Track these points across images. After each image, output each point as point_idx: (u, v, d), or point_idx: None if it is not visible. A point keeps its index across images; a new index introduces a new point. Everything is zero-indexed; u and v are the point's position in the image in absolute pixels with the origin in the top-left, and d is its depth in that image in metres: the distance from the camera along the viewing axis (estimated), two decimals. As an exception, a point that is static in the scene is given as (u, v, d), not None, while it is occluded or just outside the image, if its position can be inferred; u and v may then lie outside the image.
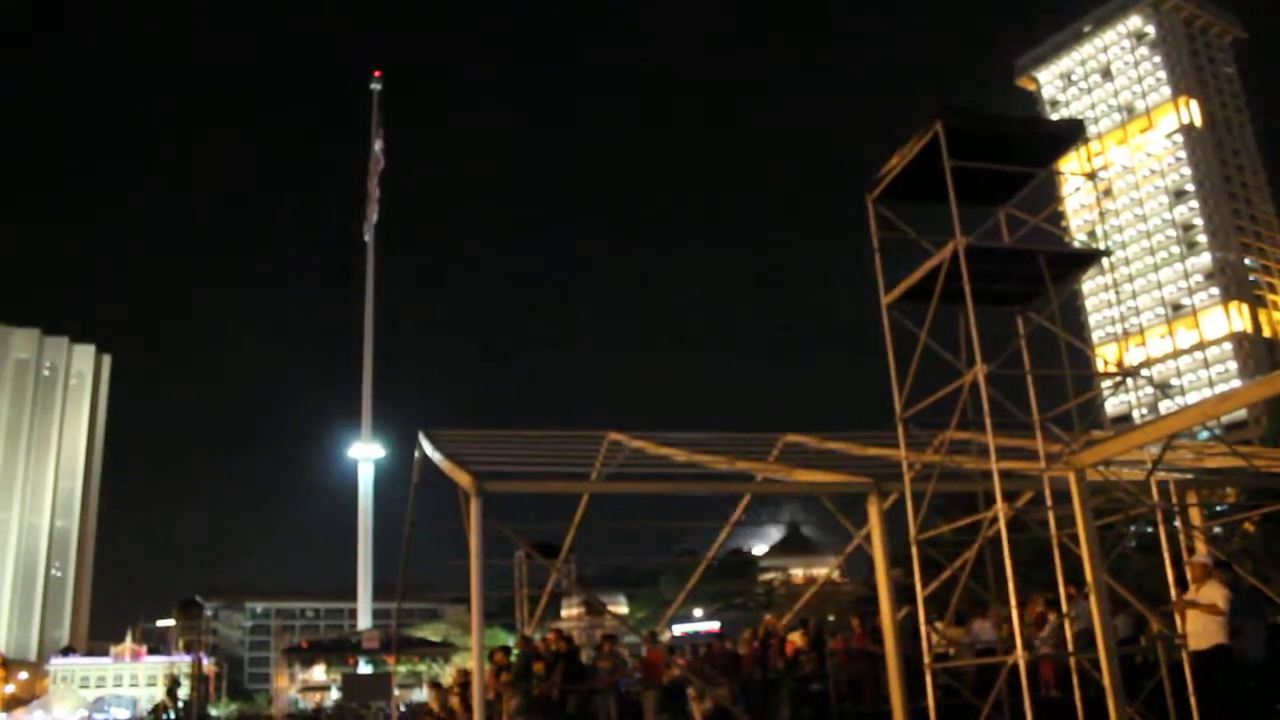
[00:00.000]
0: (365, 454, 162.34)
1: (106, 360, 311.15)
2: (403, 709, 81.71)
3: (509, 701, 16.69)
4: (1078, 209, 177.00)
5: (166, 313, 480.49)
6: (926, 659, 13.96)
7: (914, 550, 14.21)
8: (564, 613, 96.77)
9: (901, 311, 14.75)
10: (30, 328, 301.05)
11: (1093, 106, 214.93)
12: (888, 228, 15.22)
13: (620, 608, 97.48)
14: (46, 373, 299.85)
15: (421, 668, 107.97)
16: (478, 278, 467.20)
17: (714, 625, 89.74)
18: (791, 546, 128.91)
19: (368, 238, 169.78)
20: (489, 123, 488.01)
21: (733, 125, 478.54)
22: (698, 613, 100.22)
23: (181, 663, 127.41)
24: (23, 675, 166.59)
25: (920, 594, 14.07)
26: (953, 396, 13.94)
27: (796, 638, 21.31)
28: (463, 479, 14.66)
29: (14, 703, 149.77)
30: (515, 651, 19.88)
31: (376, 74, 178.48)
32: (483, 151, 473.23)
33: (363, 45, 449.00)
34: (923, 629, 14.30)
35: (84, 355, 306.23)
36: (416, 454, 21.33)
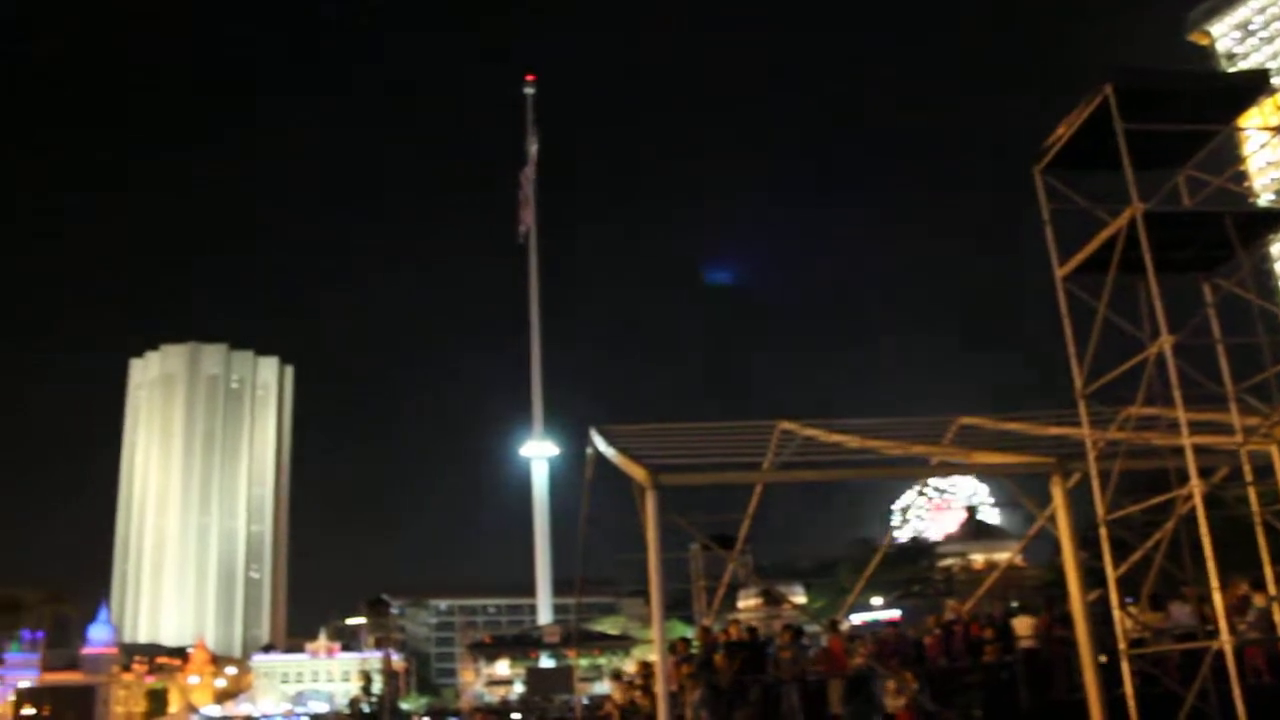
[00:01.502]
0: (538, 452, 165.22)
1: (289, 372, 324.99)
2: (585, 701, 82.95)
3: (691, 693, 16.74)
4: (1263, 166, 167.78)
5: (339, 323, 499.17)
6: (1121, 645, 13.44)
7: (1102, 531, 13.70)
8: (741, 604, 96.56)
9: (1078, 285, 14.25)
10: (218, 344, 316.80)
11: (1275, 57, 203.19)
12: (1058, 199, 14.72)
13: (798, 597, 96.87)
14: (235, 385, 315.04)
15: (602, 661, 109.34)
16: (638, 276, 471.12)
17: (894, 614, 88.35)
18: (971, 532, 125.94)
19: (523, 240, 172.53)
20: (655, 122, 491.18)
21: (910, 107, 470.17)
22: (876, 601, 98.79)
23: (372, 659, 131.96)
24: (230, 670, 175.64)
25: (1111, 576, 13.56)
26: (1136, 371, 13.41)
27: (1022, 624, 20.34)
28: (637, 473, 14.76)
29: (224, 696, 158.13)
30: (695, 643, 19.92)
31: (529, 78, 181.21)
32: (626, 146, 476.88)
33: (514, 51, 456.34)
34: (1116, 614, 13.77)
35: (268, 367, 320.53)
36: (589, 450, 21.54)
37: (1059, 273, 14.39)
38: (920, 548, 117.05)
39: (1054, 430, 19.92)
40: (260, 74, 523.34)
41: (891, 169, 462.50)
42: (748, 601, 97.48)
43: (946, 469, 19.94)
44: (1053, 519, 16.77)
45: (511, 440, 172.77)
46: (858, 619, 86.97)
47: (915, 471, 21.26)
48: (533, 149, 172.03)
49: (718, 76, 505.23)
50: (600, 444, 19.57)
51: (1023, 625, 20.22)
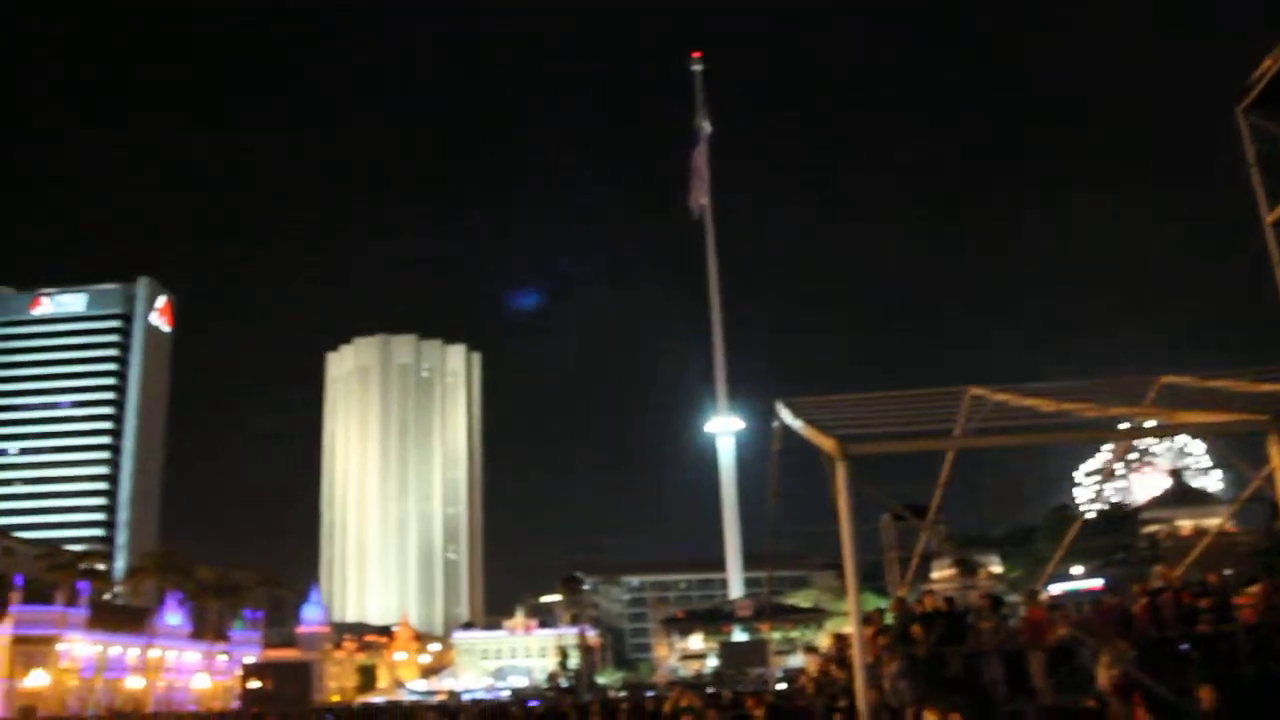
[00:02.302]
0: (723, 428, 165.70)
1: (477, 358, 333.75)
2: (780, 674, 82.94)
3: (889, 665, 16.52)
4: None
5: (512, 308, 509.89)
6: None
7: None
8: (934, 574, 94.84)
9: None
10: (407, 334, 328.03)
11: None
12: (1265, 140, 13.88)
13: (994, 567, 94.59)
14: (425, 374, 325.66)
15: (795, 634, 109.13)
16: (813, 247, 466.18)
17: (1095, 583, 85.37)
18: (1176, 496, 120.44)
19: (697, 215, 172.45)
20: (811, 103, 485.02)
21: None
22: (1076, 570, 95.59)
23: (568, 635, 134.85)
24: (434, 647, 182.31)
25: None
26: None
27: (1243, 593, 19.15)
28: (826, 444, 14.61)
29: (428, 671, 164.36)
30: (891, 615, 19.65)
31: (695, 55, 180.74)
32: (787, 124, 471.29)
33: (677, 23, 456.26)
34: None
35: (456, 355, 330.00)
36: (775, 424, 21.43)
37: (1268, 218, 13.59)
38: (1122, 514, 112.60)
39: (1266, 387, 18.83)
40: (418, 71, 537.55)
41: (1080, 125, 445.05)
42: (941, 572, 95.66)
43: (1149, 431, 19.05)
44: (1269, 480, 15.88)
45: (696, 417, 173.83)
46: (1057, 589, 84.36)
47: (1115, 434, 20.37)
48: (704, 126, 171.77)
49: (883, 38, 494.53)
50: (786, 416, 19.45)
51: (1243, 594, 19.15)
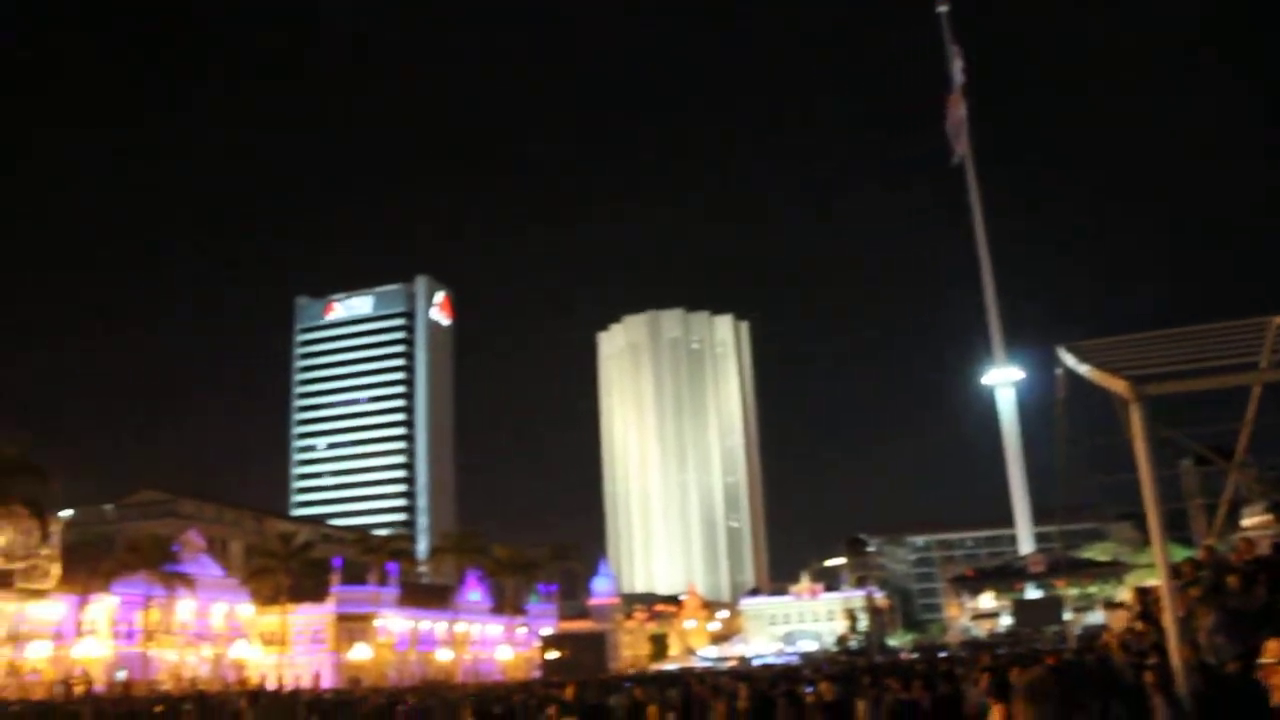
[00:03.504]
0: (1001, 379, 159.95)
1: (744, 327, 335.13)
2: (1079, 632, 79.57)
3: (1203, 618, 15.40)
4: None
5: (786, 270, 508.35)
6: None
7: None
8: (1245, 521, 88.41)
9: None
10: (674, 309, 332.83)
11: None
12: None
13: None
14: (695, 346, 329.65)
15: (1093, 589, 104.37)
16: (1074, 189, 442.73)
17: None
18: None
19: (958, 162, 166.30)
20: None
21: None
22: None
23: (855, 597, 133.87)
24: (721, 614, 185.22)
25: None
26: None
27: None
28: (1117, 385, 13.68)
29: (717, 638, 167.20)
30: (1202, 565, 18.33)
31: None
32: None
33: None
34: None
35: (724, 325, 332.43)
36: (1058, 370, 20.35)
37: None
38: None
39: None
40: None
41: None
42: (1252, 519, 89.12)
43: None
44: None
45: (972, 370, 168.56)
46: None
47: None
48: (957, 70, 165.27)
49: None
50: (1070, 361, 18.40)
51: None
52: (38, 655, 76.85)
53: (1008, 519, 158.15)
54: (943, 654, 76.11)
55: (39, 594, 75.75)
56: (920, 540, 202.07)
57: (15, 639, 75.37)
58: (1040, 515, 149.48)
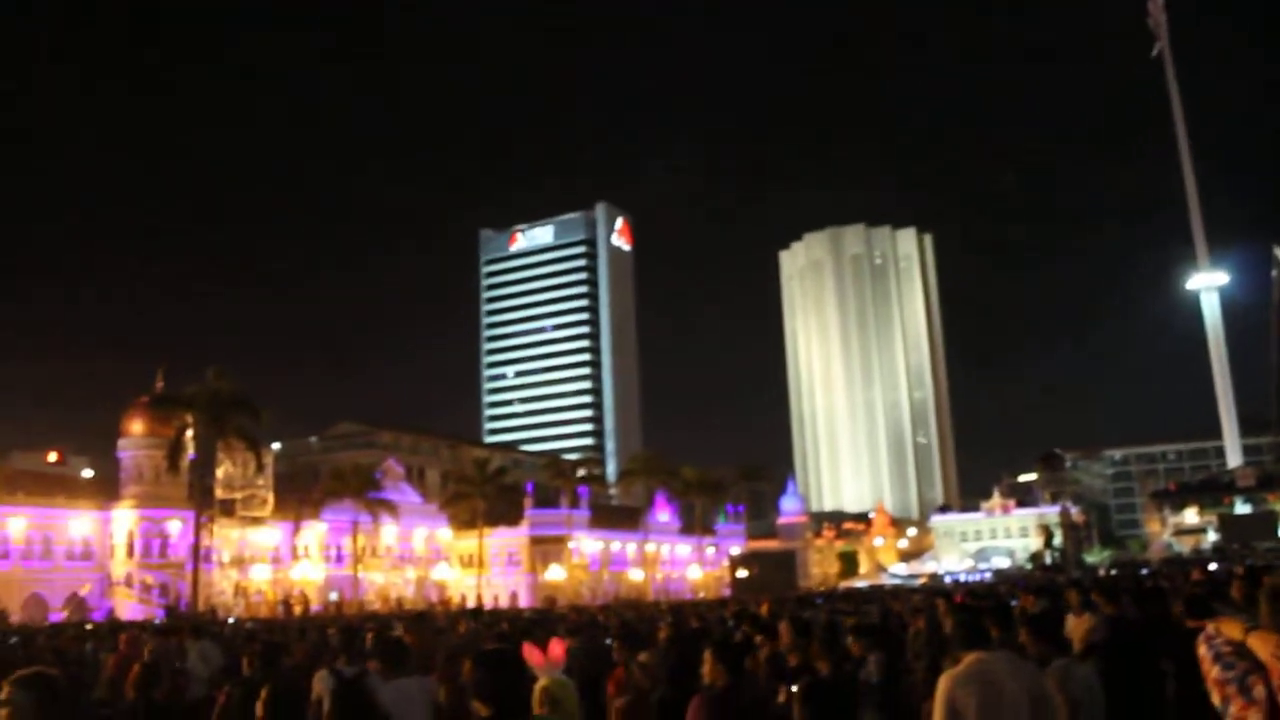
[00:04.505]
0: (1206, 283, 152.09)
1: (929, 240, 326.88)
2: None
3: None
4: None
5: (972, 179, 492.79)
6: None
7: None
8: None
9: None
10: (856, 225, 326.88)
11: None
12: None
13: None
14: (878, 261, 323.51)
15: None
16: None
17: None
18: None
19: (1155, 55, 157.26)
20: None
21: None
22: None
23: (1049, 513, 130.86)
24: (911, 532, 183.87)
25: None
26: None
27: None
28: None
29: (907, 556, 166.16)
30: None
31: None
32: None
33: None
34: None
35: (907, 239, 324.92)
36: (1275, 272, 19.33)
37: None
38: None
39: None
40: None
41: None
42: None
43: None
44: None
45: (1173, 274, 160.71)
46: None
47: None
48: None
49: None
50: None
51: None
52: (260, 577, 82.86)
53: (1213, 430, 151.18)
54: (1144, 570, 73.88)
55: (257, 521, 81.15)
56: (1118, 454, 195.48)
57: (240, 562, 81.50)
58: (1250, 426, 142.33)
